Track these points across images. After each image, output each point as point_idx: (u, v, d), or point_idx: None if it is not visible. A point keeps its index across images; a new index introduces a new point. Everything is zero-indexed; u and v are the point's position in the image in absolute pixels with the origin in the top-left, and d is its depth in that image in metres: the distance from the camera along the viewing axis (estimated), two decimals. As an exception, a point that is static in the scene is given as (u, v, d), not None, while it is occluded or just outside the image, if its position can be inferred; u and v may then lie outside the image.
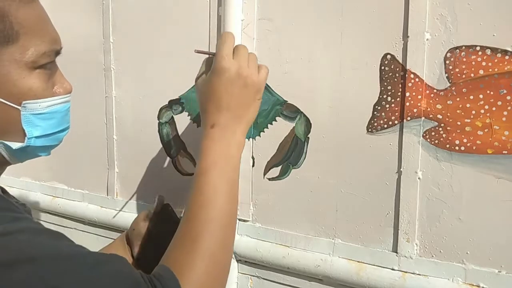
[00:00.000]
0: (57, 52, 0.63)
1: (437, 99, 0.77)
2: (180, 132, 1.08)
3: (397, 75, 0.80)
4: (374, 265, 0.84)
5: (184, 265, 0.63)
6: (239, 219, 0.99)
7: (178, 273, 0.62)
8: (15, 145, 0.60)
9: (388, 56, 0.80)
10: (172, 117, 1.08)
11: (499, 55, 0.71)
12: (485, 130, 0.73)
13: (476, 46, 0.73)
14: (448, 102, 0.76)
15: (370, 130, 0.83)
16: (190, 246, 0.65)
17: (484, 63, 0.72)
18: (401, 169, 0.80)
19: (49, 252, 0.53)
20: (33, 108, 0.60)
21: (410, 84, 0.78)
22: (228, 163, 0.73)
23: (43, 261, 0.52)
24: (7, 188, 0.66)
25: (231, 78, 0.73)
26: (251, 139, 0.97)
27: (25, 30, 0.57)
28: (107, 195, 1.23)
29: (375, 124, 0.83)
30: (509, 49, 0.70)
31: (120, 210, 1.20)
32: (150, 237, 0.85)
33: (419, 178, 0.79)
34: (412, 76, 0.78)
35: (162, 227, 0.83)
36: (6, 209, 0.57)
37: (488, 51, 0.72)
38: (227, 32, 0.78)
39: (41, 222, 1.43)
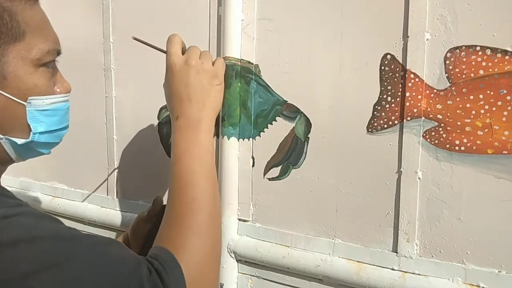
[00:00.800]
0: (58, 52, 0.66)
1: (437, 99, 0.77)
2: (180, 132, 1.07)
3: (397, 75, 0.80)
4: (374, 265, 0.84)
5: (175, 241, 0.66)
6: (239, 219, 0.99)
7: (171, 249, 0.65)
8: (20, 141, 0.62)
9: (388, 56, 0.80)
10: (172, 117, 1.08)
11: (499, 55, 0.71)
12: (485, 130, 0.73)
13: (476, 46, 0.73)
14: (448, 102, 0.76)
15: (370, 130, 0.83)
16: (179, 224, 0.69)
17: (484, 63, 0.72)
18: (401, 169, 0.80)
19: (51, 233, 0.56)
20: (37, 105, 0.62)
21: (410, 84, 0.78)
22: (199, 147, 0.77)
23: (46, 240, 0.54)
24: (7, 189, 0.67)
25: (182, 70, 0.79)
26: (251, 139, 0.97)
27: (30, 29, 0.61)
28: (107, 195, 1.23)
29: (375, 124, 0.83)
30: (509, 49, 0.70)
31: (120, 210, 1.20)
32: (150, 238, 0.85)
33: (419, 178, 0.79)
34: (412, 76, 0.78)
35: None
36: (9, 196, 0.60)
37: (488, 51, 0.72)
38: (173, 34, 0.84)
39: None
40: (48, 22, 0.66)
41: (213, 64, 0.84)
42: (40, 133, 0.64)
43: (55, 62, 0.67)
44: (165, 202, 0.89)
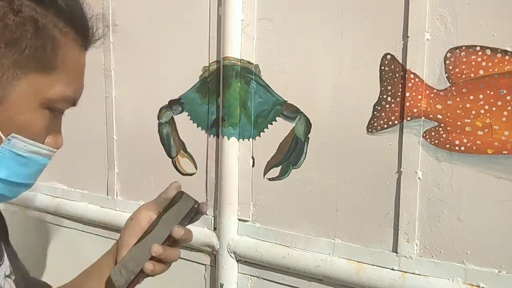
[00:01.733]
0: (74, 103, 0.60)
1: (437, 99, 0.77)
2: (180, 132, 1.07)
3: (397, 75, 0.80)
4: (374, 265, 0.84)
5: None
6: (239, 219, 0.99)
7: None
8: None
9: (388, 56, 0.80)
10: (172, 117, 1.08)
11: (499, 55, 0.71)
12: (485, 130, 0.73)
13: (476, 46, 0.73)
14: (448, 102, 0.76)
15: (370, 130, 0.83)
16: None
17: (484, 63, 0.72)
18: (401, 169, 0.80)
19: None
20: (16, 146, 0.53)
21: (410, 84, 0.78)
22: None
23: None
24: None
25: None
26: (251, 139, 0.97)
27: (62, 68, 0.55)
28: (107, 195, 1.23)
29: (375, 124, 0.83)
30: (509, 49, 0.70)
31: (120, 210, 1.20)
32: (149, 230, 0.81)
33: (419, 178, 0.79)
34: (412, 76, 0.78)
35: (176, 207, 0.77)
36: None
37: (488, 51, 0.72)
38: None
39: (41, 223, 1.42)
40: (83, 72, 0.61)
41: None
42: None
43: (62, 115, 0.59)
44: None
